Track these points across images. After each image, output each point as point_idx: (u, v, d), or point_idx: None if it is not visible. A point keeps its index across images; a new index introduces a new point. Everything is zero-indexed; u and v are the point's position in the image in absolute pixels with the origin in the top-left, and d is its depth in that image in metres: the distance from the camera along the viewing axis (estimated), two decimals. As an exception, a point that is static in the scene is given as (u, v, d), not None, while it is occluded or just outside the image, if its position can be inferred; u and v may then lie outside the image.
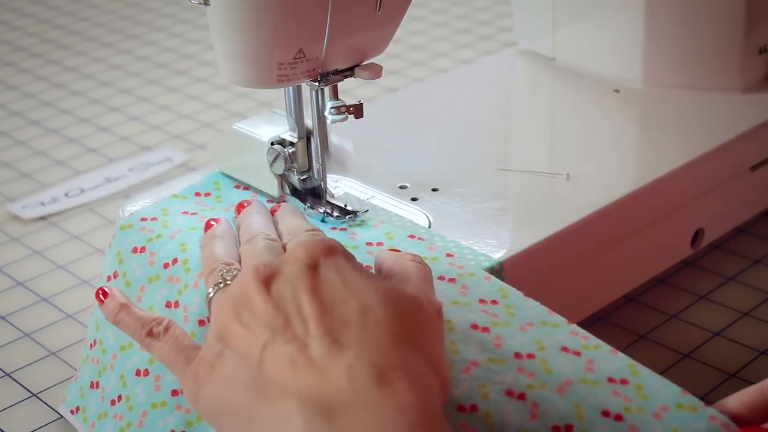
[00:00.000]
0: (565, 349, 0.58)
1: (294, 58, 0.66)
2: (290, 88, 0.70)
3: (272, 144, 0.71)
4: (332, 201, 0.72)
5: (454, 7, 1.46)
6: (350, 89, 1.15)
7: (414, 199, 0.75)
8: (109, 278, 0.68)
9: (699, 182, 0.82)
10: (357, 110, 0.69)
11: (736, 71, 0.92)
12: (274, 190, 0.71)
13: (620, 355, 0.58)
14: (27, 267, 0.90)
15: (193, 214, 0.70)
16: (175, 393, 0.63)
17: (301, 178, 0.71)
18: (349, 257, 0.55)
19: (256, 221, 0.63)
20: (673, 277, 0.84)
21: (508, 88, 1.00)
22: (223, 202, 0.72)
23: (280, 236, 0.62)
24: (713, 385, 0.73)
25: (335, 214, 0.70)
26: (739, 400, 0.56)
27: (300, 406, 0.47)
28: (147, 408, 0.63)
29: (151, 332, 0.57)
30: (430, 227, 0.71)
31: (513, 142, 0.88)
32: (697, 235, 0.83)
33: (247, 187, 0.74)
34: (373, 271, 0.60)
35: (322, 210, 0.70)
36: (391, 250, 0.62)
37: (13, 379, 0.77)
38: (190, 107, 1.20)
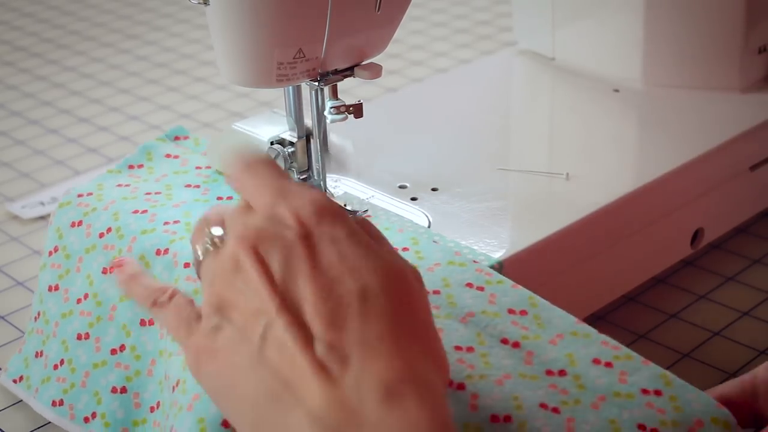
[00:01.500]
0: (596, 361, 0.57)
1: (293, 58, 0.66)
2: (290, 87, 0.70)
3: (272, 144, 0.71)
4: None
5: (454, 6, 1.46)
6: (350, 89, 1.15)
7: (414, 199, 0.75)
8: (50, 253, 0.71)
9: (699, 182, 0.82)
10: (357, 110, 0.69)
11: (736, 71, 0.92)
12: (273, 189, 0.71)
13: (651, 365, 0.57)
14: (27, 267, 0.90)
15: (126, 186, 0.73)
16: (113, 352, 0.66)
17: (301, 177, 0.71)
18: (342, 218, 0.51)
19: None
20: (672, 277, 0.84)
21: (508, 88, 1.00)
22: (155, 172, 0.74)
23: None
24: (713, 385, 0.73)
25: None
26: (719, 392, 0.57)
27: (309, 423, 0.46)
28: (89, 368, 0.67)
29: (155, 302, 0.55)
30: (429, 227, 0.71)
31: (512, 141, 0.88)
32: (696, 235, 0.83)
33: (177, 156, 0.76)
34: None
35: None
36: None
37: (12, 378, 0.77)
38: (189, 107, 1.20)
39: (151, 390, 0.64)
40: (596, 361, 0.57)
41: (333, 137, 0.72)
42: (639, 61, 0.93)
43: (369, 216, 0.70)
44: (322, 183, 0.71)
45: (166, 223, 0.68)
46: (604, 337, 0.59)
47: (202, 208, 0.70)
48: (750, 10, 0.90)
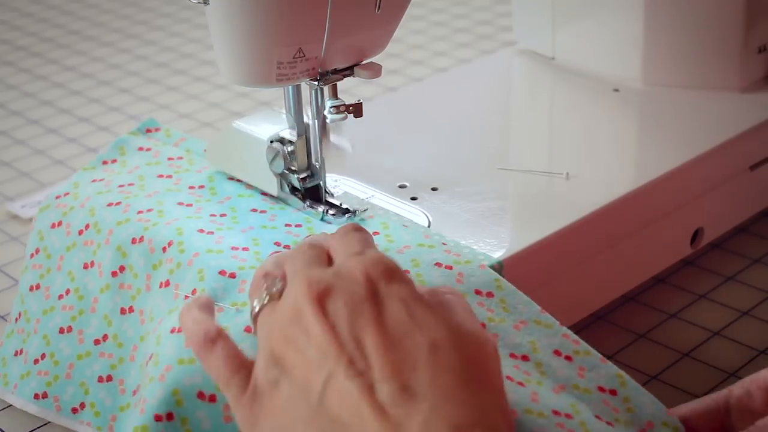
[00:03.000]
0: (557, 352, 0.58)
1: (293, 57, 0.66)
2: (290, 87, 0.70)
3: (271, 142, 0.71)
4: (331, 200, 0.72)
5: (454, 6, 1.46)
6: (350, 88, 1.15)
7: (413, 199, 0.75)
8: (32, 255, 0.73)
9: (698, 181, 0.82)
10: (356, 109, 0.69)
11: (736, 70, 0.92)
12: (273, 188, 0.71)
13: (608, 364, 0.58)
14: (26, 266, 0.90)
15: (100, 180, 0.74)
16: (97, 342, 0.67)
17: (300, 176, 0.71)
18: (409, 282, 0.50)
19: (310, 238, 0.58)
20: (672, 277, 0.84)
21: (508, 88, 1.00)
22: (127, 165, 0.76)
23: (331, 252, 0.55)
24: (712, 385, 0.73)
25: (332, 212, 0.70)
26: (688, 406, 0.58)
27: None
28: (73, 360, 0.68)
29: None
30: (429, 226, 0.71)
31: (512, 141, 0.88)
32: (696, 235, 0.83)
33: (149, 148, 0.77)
34: None
35: (321, 209, 0.70)
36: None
37: (12, 378, 0.77)
38: (189, 106, 1.20)
39: (133, 375, 0.65)
40: (557, 353, 0.58)
41: (332, 136, 0.72)
42: (639, 60, 0.93)
43: (370, 216, 0.70)
44: (321, 182, 0.71)
45: (139, 212, 0.69)
46: (565, 329, 0.59)
47: (174, 197, 0.71)
48: (750, 10, 0.90)
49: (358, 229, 0.55)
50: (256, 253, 0.65)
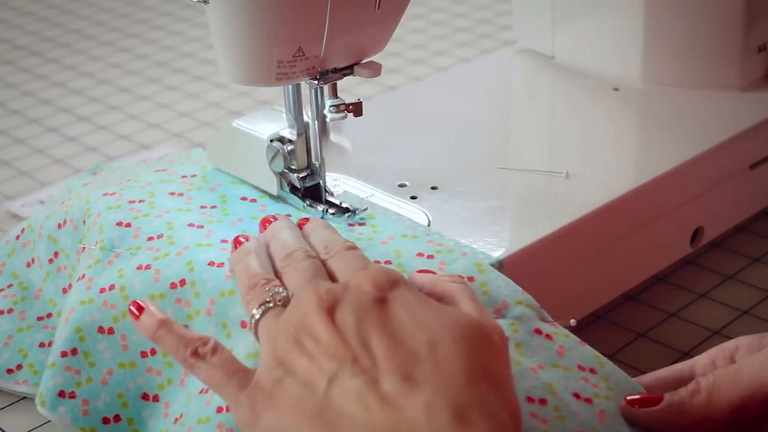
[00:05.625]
0: (538, 331, 0.60)
1: (293, 57, 0.66)
2: (289, 86, 0.70)
3: (271, 141, 0.71)
4: (331, 199, 0.72)
5: (454, 5, 1.46)
6: (349, 87, 1.15)
7: (413, 198, 0.75)
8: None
9: (698, 180, 0.82)
10: (356, 108, 0.69)
11: (736, 69, 0.92)
12: (273, 187, 0.71)
13: (587, 346, 0.60)
14: (26, 265, 0.90)
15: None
16: (40, 318, 0.72)
17: (300, 176, 0.71)
18: (413, 288, 0.53)
19: (287, 236, 0.61)
20: (672, 276, 0.84)
21: (508, 87, 1.00)
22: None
23: (314, 250, 0.60)
24: (712, 384, 0.73)
25: (332, 211, 0.70)
26: (654, 374, 0.59)
27: None
28: (13, 332, 0.72)
29: (196, 352, 0.54)
30: (429, 225, 0.71)
31: (512, 140, 0.88)
32: (696, 234, 0.83)
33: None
34: None
35: (321, 208, 0.70)
36: (421, 271, 0.60)
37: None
38: (189, 105, 1.20)
39: (65, 336, 0.66)
40: (537, 331, 0.59)
41: (332, 136, 0.72)
42: (639, 59, 0.93)
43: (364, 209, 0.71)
44: (321, 181, 0.71)
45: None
46: (544, 313, 0.61)
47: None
48: (749, 9, 0.90)
49: (352, 247, 0.59)
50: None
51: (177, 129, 1.14)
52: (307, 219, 0.64)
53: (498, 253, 0.68)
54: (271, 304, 0.54)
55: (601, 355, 0.59)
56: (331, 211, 0.70)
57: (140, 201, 0.71)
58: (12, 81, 1.29)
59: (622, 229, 0.77)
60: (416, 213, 0.73)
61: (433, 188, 0.76)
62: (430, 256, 0.64)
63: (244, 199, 0.72)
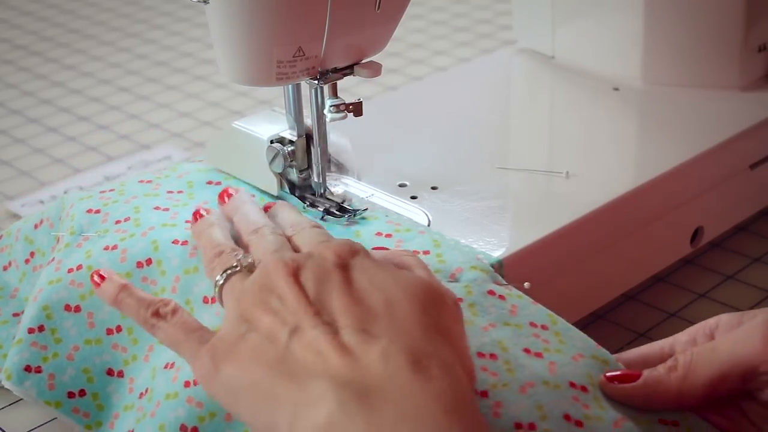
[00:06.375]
0: (491, 292, 0.61)
1: (293, 56, 0.66)
2: (289, 86, 0.70)
3: (271, 142, 0.71)
4: (331, 199, 0.72)
5: (454, 5, 1.46)
6: (349, 87, 1.15)
7: (413, 198, 0.75)
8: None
9: (698, 180, 0.82)
10: (356, 108, 0.69)
11: (736, 69, 0.92)
12: (273, 188, 0.71)
13: (540, 306, 0.61)
14: (26, 265, 0.90)
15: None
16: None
17: (301, 176, 0.71)
18: (371, 256, 0.56)
19: (251, 211, 0.64)
20: (672, 276, 0.84)
21: (508, 87, 1.00)
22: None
23: (280, 229, 0.62)
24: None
25: (334, 211, 0.70)
26: (636, 350, 0.60)
27: (332, 387, 0.47)
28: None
29: (157, 312, 0.56)
30: (429, 225, 0.71)
31: (512, 140, 0.88)
32: (696, 233, 0.83)
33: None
34: None
35: (321, 208, 0.70)
36: (377, 248, 0.63)
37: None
38: (189, 105, 1.20)
39: (32, 314, 0.67)
40: (491, 293, 0.61)
41: (332, 136, 0.72)
42: (639, 59, 0.93)
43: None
44: (321, 181, 0.71)
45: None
46: (498, 277, 0.64)
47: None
48: (750, 9, 0.90)
49: (317, 226, 0.61)
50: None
51: (177, 129, 1.14)
52: (272, 203, 0.66)
53: (498, 253, 0.68)
54: (237, 268, 0.56)
55: (554, 314, 0.61)
56: (334, 210, 0.70)
57: (110, 190, 0.73)
58: (12, 81, 1.29)
59: (622, 228, 0.77)
60: (416, 213, 0.73)
61: (433, 188, 0.76)
62: (389, 235, 0.66)
63: (209, 183, 0.74)
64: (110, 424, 0.65)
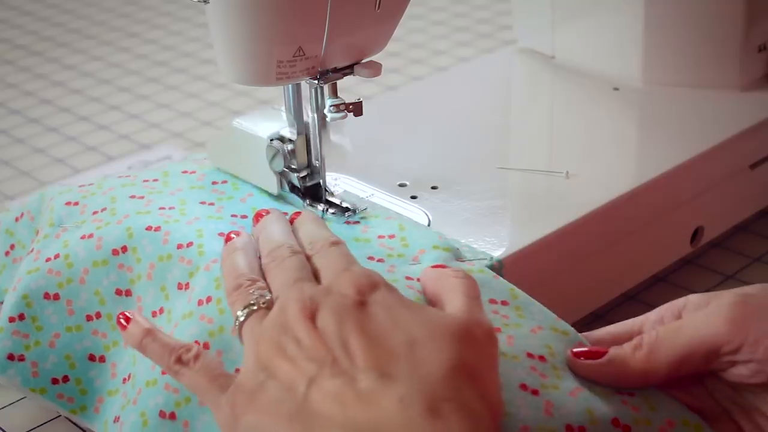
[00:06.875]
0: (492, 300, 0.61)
1: (293, 56, 0.66)
2: (290, 86, 0.70)
3: (271, 141, 0.71)
4: (331, 198, 0.72)
5: (454, 5, 1.46)
6: (349, 87, 1.15)
7: (413, 197, 0.75)
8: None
9: (698, 180, 0.82)
10: (356, 108, 0.69)
11: (736, 69, 0.92)
12: (273, 187, 0.71)
13: (501, 279, 0.62)
14: (26, 265, 0.90)
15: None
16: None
17: (300, 175, 0.71)
18: (393, 290, 0.54)
19: (275, 230, 0.62)
20: (672, 276, 0.84)
21: (508, 86, 1.00)
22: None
23: (300, 245, 0.61)
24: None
25: (332, 211, 0.70)
26: (606, 329, 0.61)
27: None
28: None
29: (180, 359, 0.56)
30: (429, 225, 0.71)
31: (512, 140, 0.88)
32: (696, 233, 0.83)
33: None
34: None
35: (320, 207, 0.70)
36: (435, 267, 0.61)
37: (12, 377, 0.77)
38: (189, 105, 1.20)
39: (12, 303, 0.68)
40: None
41: (332, 135, 0.72)
42: (639, 59, 0.93)
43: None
44: (321, 180, 0.71)
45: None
46: (461, 254, 0.65)
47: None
48: (750, 8, 0.90)
49: (336, 243, 0.59)
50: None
51: (177, 129, 1.14)
52: (299, 213, 0.65)
53: (498, 253, 0.68)
54: (255, 307, 0.55)
55: (516, 288, 0.61)
56: (331, 210, 0.70)
57: (90, 184, 0.74)
58: (12, 80, 1.29)
59: (622, 228, 0.77)
60: (416, 213, 0.73)
61: (433, 188, 0.76)
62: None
63: (185, 172, 0.74)
64: (95, 408, 0.66)
